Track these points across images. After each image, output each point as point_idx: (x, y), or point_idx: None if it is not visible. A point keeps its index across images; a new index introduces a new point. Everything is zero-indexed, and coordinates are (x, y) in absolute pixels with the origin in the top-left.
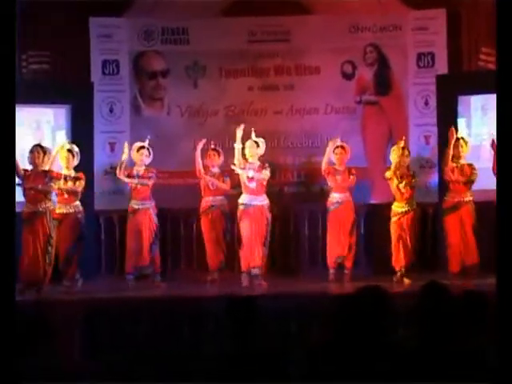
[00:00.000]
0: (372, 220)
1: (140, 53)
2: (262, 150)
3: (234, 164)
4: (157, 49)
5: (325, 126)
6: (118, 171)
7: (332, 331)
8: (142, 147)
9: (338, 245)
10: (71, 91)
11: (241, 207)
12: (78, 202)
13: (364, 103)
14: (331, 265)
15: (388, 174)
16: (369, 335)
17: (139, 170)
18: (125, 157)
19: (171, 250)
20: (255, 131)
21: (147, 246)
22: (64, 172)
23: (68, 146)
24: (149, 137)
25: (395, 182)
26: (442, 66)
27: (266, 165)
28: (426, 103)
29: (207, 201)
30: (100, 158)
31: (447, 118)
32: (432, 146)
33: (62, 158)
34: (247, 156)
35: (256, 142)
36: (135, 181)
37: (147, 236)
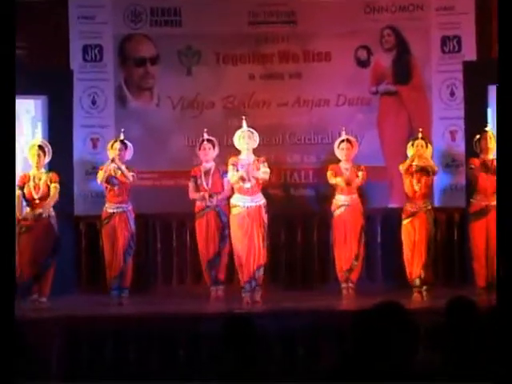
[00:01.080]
0: (390, 226)
1: (126, 36)
2: (255, 141)
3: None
4: (145, 32)
5: (336, 120)
6: (98, 180)
7: (341, 354)
8: (116, 141)
9: (345, 255)
10: (48, 80)
11: (233, 210)
12: (49, 206)
13: (381, 94)
14: (342, 278)
15: (401, 166)
16: (384, 359)
17: (118, 168)
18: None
19: (162, 262)
20: (248, 123)
21: (120, 255)
22: (33, 172)
23: (39, 142)
24: (123, 130)
25: (408, 177)
26: (469, 52)
27: (262, 158)
28: (452, 94)
29: (200, 201)
30: (80, 156)
31: (476, 111)
32: (458, 143)
33: (31, 156)
34: (239, 148)
35: (250, 131)
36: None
37: (121, 244)
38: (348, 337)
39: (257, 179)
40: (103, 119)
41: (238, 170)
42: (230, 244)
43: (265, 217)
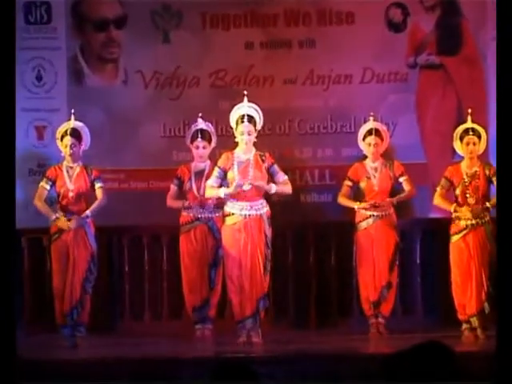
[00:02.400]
0: (433, 243)
1: None
2: (259, 125)
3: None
4: None
5: (361, 102)
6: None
7: None
8: (66, 133)
9: (373, 282)
10: None
11: (227, 220)
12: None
13: (421, 67)
14: (368, 312)
15: (448, 171)
16: None
17: (72, 169)
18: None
19: (130, 291)
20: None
21: (76, 282)
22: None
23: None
24: (73, 111)
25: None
26: None
27: (267, 155)
28: None
29: (187, 211)
30: (22, 150)
31: None
32: None
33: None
34: (239, 141)
35: (251, 119)
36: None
37: (78, 267)
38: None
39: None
40: (52, 101)
41: (225, 175)
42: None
43: (268, 230)
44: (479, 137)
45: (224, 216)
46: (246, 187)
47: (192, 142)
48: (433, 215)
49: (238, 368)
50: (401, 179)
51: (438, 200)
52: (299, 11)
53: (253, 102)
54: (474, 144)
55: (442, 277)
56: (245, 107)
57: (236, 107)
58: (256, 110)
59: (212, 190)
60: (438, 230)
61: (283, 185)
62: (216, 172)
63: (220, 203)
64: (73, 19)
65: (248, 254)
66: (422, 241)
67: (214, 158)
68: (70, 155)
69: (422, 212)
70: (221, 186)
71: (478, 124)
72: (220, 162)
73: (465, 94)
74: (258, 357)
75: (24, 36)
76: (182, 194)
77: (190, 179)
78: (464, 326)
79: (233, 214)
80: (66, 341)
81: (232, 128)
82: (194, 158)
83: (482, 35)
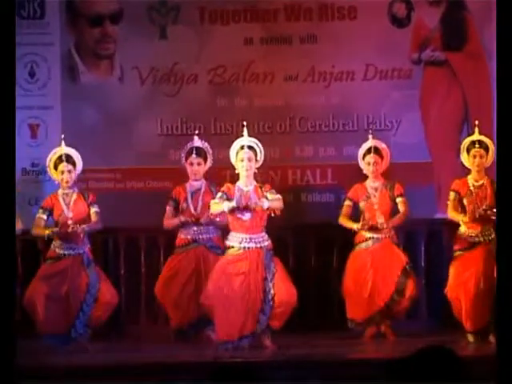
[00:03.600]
0: (438, 244)
1: None
2: (259, 160)
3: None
4: None
5: (364, 100)
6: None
7: None
8: (60, 159)
9: (364, 303)
10: None
11: (228, 252)
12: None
13: (425, 63)
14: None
15: (455, 183)
16: None
17: (68, 196)
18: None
19: (126, 294)
20: (243, 103)
21: (73, 310)
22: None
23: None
24: (63, 136)
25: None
26: None
27: (267, 186)
28: None
29: (184, 233)
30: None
31: None
32: None
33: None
34: (238, 170)
35: (251, 148)
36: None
37: (74, 298)
38: None
39: (257, 210)
40: (45, 98)
41: (228, 199)
42: None
43: (273, 262)
44: (486, 149)
45: (226, 248)
46: (245, 217)
47: (187, 159)
48: (438, 216)
49: (236, 373)
50: (397, 200)
51: (452, 214)
52: (300, 6)
53: (252, 100)
54: (481, 157)
55: (446, 279)
56: (245, 140)
57: (235, 142)
58: (256, 144)
59: (216, 205)
60: (442, 230)
61: (276, 200)
62: (220, 194)
63: (218, 224)
64: (67, 14)
65: (243, 287)
66: (427, 242)
67: (209, 178)
68: (67, 182)
69: (426, 212)
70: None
71: (485, 126)
72: (223, 188)
73: (470, 91)
74: (257, 362)
75: (17, 31)
76: (178, 215)
77: (185, 199)
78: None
79: (232, 246)
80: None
81: (232, 126)
82: (188, 177)
83: (487, 30)
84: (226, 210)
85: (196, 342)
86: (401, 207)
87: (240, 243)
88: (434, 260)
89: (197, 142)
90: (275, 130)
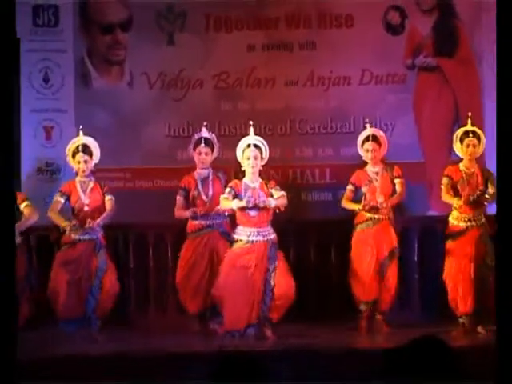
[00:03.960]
0: (430, 240)
1: None
2: (265, 158)
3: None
4: None
5: (360, 103)
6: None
7: None
8: (77, 149)
9: (366, 282)
10: None
11: (235, 246)
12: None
13: (418, 69)
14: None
15: (447, 169)
16: None
17: (85, 184)
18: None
19: (135, 286)
20: (247, 106)
21: (84, 294)
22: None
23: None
24: (81, 126)
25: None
26: None
27: (272, 183)
28: None
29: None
30: (30, 150)
31: None
32: None
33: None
34: (244, 167)
35: (257, 146)
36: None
37: (84, 275)
38: (376, 380)
39: (264, 208)
40: (59, 102)
41: (236, 196)
42: None
43: (277, 254)
44: (479, 139)
45: (232, 242)
46: (253, 213)
47: (195, 148)
48: (430, 213)
49: (241, 362)
50: (396, 180)
51: (446, 197)
52: (300, 14)
53: (254, 104)
54: (474, 146)
55: (439, 273)
56: (251, 138)
57: (241, 140)
58: (261, 142)
59: (226, 201)
60: (434, 227)
61: (281, 198)
62: (228, 189)
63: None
64: (80, 22)
65: (248, 277)
66: (420, 237)
67: (216, 167)
68: (84, 171)
69: (419, 210)
70: (234, 198)
71: (475, 124)
72: (230, 184)
73: (461, 95)
74: (261, 351)
75: (32, 38)
76: (188, 204)
77: (196, 187)
78: (460, 320)
79: (240, 240)
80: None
81: (235, 129)
82: (196, 165)
83: (477, 37)
84: (234, 207)
85: (202, 333)
86: (398, 187)
87: (248, 237)
88: (426, 255)
89: (205, 132)
90: (276, 131)
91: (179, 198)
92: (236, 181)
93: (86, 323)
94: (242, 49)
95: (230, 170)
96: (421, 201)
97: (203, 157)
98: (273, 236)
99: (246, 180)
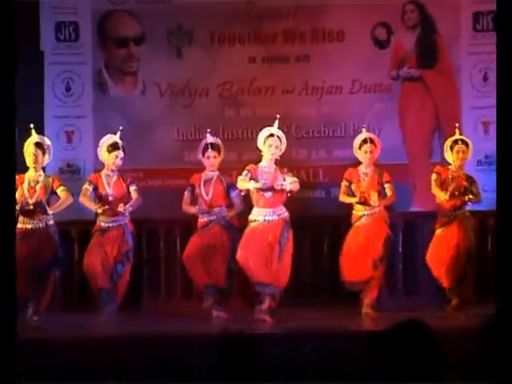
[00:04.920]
0: (413, 233)
1: (106, 13)
2: (282, 149)
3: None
4: (128, 8)
5: (350, 110)
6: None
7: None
8: (116, 146)
9: (358, 266)
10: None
11: (251, 225)
12: (46, 215)
13: (402, 79)
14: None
15: (443, 195)
16: None
17: (109, 177)
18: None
19: (148, 274)
20: (248, 113)
21: (111, 266)
22: (30, 175)
23: (37, 139)
24: (121, 128)
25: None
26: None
27: (285, 169)
28: (485, 79)
29: (202, 216)
30: (53, 152)
31: None
32: (492, 136)
33: (28, 155)
34: (263, 153)
35: (279, 138)
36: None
37: (113, 255)
38: (363, 362)
39: (278, 190)
40: (79, 109)
41: (252, 179)
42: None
43: (289, 233)
44: (467, 146)
45: (249, 222)
46: (268, 194)
47: (203, 154)
48: (413, 209)
49: (243, 343)
50: (385, 185)
51: (435, 190)
52: (296, 30)
53: (255, 110)
54: (464, 152)
55: (421, 263)
56: (274, 128)
57: (265, 129)
58: (282, 136)
59: (243, 182)
60: (417, 222)
61: (294, 183)
62: (245, 172)
63: (229, 205)
64: (97, 37)
65: (265, 244)
66: (404, 231)
67: (222, 169)
68: (116, 165)
69: (403, 206)
70: (250, 180)
71: (453, 132)
72: (248, 167)
73: (441, 102)
74: (260, 334)
75: (54, 52)
76: (194, 200)
77: (199, 186)
78: (447, 307)
79: (257, 220)
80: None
81: (237, 133)
82: (205, 167)
83: (456, 50)
84: (251, 187)
85: (207, 316)
86: (388, 191)
87: (264, 216)
88: (410, 246)
89: (210, 138)
90: None
91: (186, 193)
92: (253, 165)
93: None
94: (243, 61)
95: (233, 172)
96: (405, 198)
97: (212, 160)
98: (286, 214)
99: (262, 164)
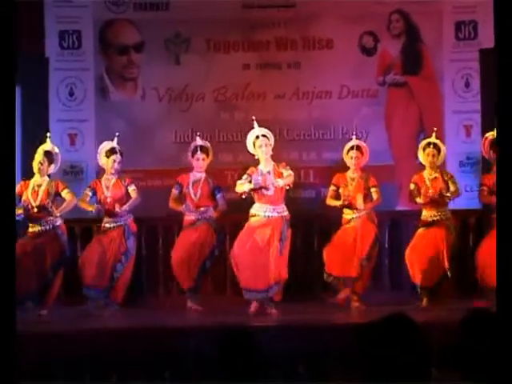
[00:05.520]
0: (399, 230)
1: (108, 21)
2: (271, 144)
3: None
4: (129, 17)
5: (339, 114)
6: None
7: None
8: (113, 151)
9: (350, 260)
10: (20, 69)
11: (252, 219)
12: (52, 217)
13: (388, 85)
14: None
15: (413, 178)
16: (392, 378)
17: (108, 181)
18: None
19: (147, 270)
20: (242, 116)
21: (109, 265)
22: (36, 180)
23: (48, 147)
24: (117, 134)
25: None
26: (486, 39)
27: (282, 164)
28: (467, 85)
29: (189, 214)
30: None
31: (493, 104)
32: (474, 139)
33: (36, 162)
34: (257, 156)
35: (264, 136)
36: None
37: (111, 255)
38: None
39: (278, 187)
40: (82, 112)
41: (250, 181)
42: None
43: (287, 231)
44: (438, 150)
45: (249, 216)
46: (269, 192)
47: (193, 155)
48: (399, 208)
49: (241, 337)
50: (372, 189)
51: (413, 199)
52: (287, 38)
53: (248, 114)
54: (433, 156)
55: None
56: (256, 130)
57: (249, 134)
58: (267, 132)
59: (240, 185)
60: (402, 220)
61: (288, 177)
62: (245, 176)
63: (215, 206)
64: (99, 45)
65: (265, 242)
66: (390, 228)
67: (211, 171)
68: (115, 169)
69: (389, 205)
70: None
71: (439, 138)
72: (248, 171)
73: (425, 107)
74: (257, 326)
75: (58, 59)
76: (181, 198)
77: (187, 186)
78: (422, 300)
79: (258, 215)
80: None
81: (232, 136)
82: (193, 168)
83: (439, 58)
84: (246, 190)
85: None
86: (374, 195)
87: (264, 212)
88: (395, 243)
89: (199, 141)
90: None
91: (173, 191)
92: (253, 168)
93: (106, 293)
94: (238, 67)
95: (227, 181)
96: (391, 197)
97: (201, 162)
98: (286, 213)
99: (260, 166)
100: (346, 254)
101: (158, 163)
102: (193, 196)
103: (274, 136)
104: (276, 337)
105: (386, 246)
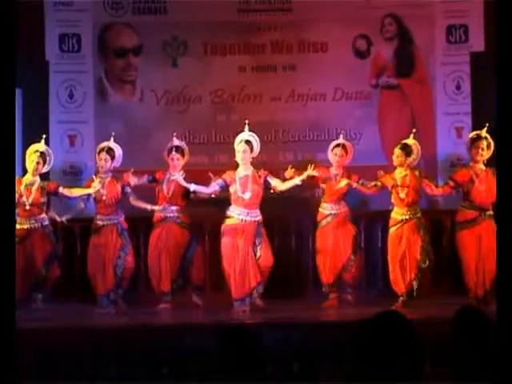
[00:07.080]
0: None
1: (106, 25)
2: (255, 151)
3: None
4: (127, 20)
5: (333, 116)
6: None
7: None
8: (103, 149)
9: (332, 264)
10: (21, 72)
11: (227, 221)
12: (43, 215)
13: (381, 87)
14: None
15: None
16: (385, 374)
17: (103, 179)
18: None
19: (145, 268)
20: (237, 118)
21: (111, 268)
22: (27, 178)
23: (42, 148)
24: (113, 133)
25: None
26: (477, 42)
27: (262, 172)
28: (458, 87)
29: (159, 211)
30: (57, 155)
31: (484, 106)
32: (465, 140)
33: (29, 161)
34: (238, 160)
35: (248, 142)
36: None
37: (110, 254)
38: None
39: (258, 192)
40: (81, 114)
41: (224, 185)
42: (195, 261)
43: (262, 235)
44: (409, 153)
45: (225, 217)
46: (246, 196)
47: (168, 155)
48: (391, 208)
49: (241, 333)
50: (354, 185)
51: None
52: (283, 41)
53: (244, 116)
54: (398, 157)
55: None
56: (245, 134)
57: (239, 136)
58: (253, 137)
59: (207, 188)
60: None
61: (282, 185)
62: (218, 181)
63: (186, 206)
64: (98, 48)
65: (240, 250)
66: (383, 229)
67: (189, 172)
68: (102, 167)
69: (382, 205)
70: (216, 188)
71: (429, 135)
72: (224, 176)
73: (417, 109)
74: (248, 323)
75: (58, 62)
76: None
77: (162, 182)
78: (398, 300)
79: (232, 216)
80: (104, 308)
81: (228, 137)
82: (169, 167)
83: (431, 61)
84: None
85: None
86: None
87: (239, 215)
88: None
89: (176, 141)
90: (263, 139)
91: (144, 181)
92: (230, 172)
93: (112, 297)
94: (234, 70)
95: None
96: (384, 198)
97: (176, 162)
98: (259, 218)
99: (239, 169)
100: (330, 260)
101: (155, 164)
102: (166, 193)
103: (270, 138)
104: (272, 334)
105: (380, 245)
